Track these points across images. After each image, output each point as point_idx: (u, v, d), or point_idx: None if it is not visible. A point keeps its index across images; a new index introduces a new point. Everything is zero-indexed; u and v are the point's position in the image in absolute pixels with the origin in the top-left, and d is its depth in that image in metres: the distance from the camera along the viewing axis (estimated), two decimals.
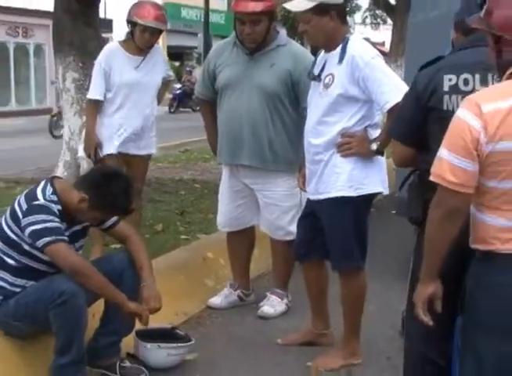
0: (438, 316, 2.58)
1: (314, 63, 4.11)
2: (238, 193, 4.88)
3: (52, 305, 3.50)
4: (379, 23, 36.38)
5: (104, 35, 10.00)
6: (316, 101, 3.99)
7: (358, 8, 33.73)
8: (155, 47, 5.37)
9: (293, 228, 4.45)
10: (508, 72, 2.37)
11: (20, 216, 3.55)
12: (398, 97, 3.61)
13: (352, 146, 3.92)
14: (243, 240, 5.04)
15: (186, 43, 32.64)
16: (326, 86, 3.91)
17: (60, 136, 16.74)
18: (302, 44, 8.26)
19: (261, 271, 5.65)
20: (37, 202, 3.57)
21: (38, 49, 26.97)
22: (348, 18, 8.35)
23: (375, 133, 3.97)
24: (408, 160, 3.10)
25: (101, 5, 7.87)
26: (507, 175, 2.33)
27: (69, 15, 7.21)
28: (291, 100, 4.63)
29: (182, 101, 26.93)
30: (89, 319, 3.69)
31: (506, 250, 2.36)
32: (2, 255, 3.64)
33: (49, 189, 3.64)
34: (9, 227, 3.61)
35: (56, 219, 3.55)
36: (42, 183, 3.70)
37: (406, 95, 3.10)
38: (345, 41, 3.89)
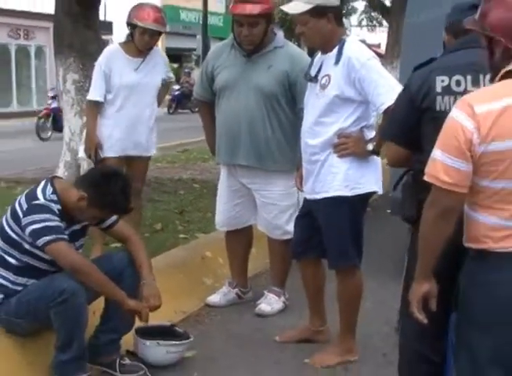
0: (432, 313, 2.58)
1: (311, 64, 4.13)
2: (236, 193, 4.91)
3: (53, 304, 3.53)
4: (375, 26, 36.36)
5: (104, 37, 10.02)
6: (313, 102, 4.02)
7: (354, 10, 33.70)
8: (155, 49, 5.39)
9: (291, 227, 4.48)
10: (501, 73, 2.40)
11: (21, 215, 3.58)
12: (393, 98, 3.59)
13: (348, 146, 3.95)
14: (241, 239, 5.07)
15: (185, 45, 32.58)
16: (323, 87, 3.94)
17: (48, 138, 16.77)
18: (299, 45, 8.26)
19: (259, 269, 5.66)
20: (37, 202, 3.60)
21: (39, 51, 27.01)
22: (345, 20, 8.34)
23: (370, 134, 4.00)
24: (401, 161, 3.13)
25: (101, 8, 7.91)
26: (499, 174, 2.34)
27: (69, 17, 7.24)
28: (288, 101, 4.66)
29: (181, 102, 26.92)
30: (90, 317, 3.72)
31: (499, 248, 2.37)
32: (4, 254, 3.67)
33: (49, 189, 3.66)
34: (9, 226, 3.64)
35: (56, 218, 3.58)
36: (42, 183, 3.72)
37: (399, 97, 3.12)
38: (342, 43, 3.92)
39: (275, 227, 4.86)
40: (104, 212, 3.77)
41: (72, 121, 7.41)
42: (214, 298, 5.07)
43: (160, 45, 13.66)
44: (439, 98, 2.90)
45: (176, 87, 25.99)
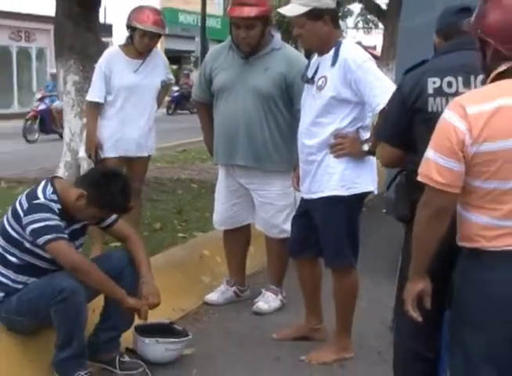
0: (426, 312, 2.60)
1: (307, 66, 4.16)
2: (234, 193, 4.94)
3: (53, 302, 3.55)
4: (371, 28, 36.25)
5: (104, 40, 10.02)
6: (310, 103, 4.05)
7: (350, 13, 33.57)
8: (155, 50, 5.41)
9: (288, 226, 4.51)
10: (492, 75, 2.43)
11: (21, 215, 3.60)
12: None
13: (345, 146, 3.97)
14: (238, 238, 5.09)
15: (184, 47, 32.56)
16: (319, 88, 3.97)
17: (35, 141, 16.50)
18: (296, 47, 8.26)
19: (257, 268, 5.68)
20: (37, 201, 3.62)
21: (40, 53, 27.06)
22: (341, 22, 8.40)
23: (366, 134, 4.03)
24: (395, 161, 3.16)
25: (101, 11, 7.92)
26: (491, 175, 2.36)
27: (70, 20, 7.29)
28: (285, 102, 4.68)
29: (180, 103, 26.89)
30: (89, 315, 3.74)
31: (491, 247, 2.39)
32: (4, 253, 3.69)
33: (49, 189, 3.69)
34: (10, 226, 3.67)
35: (56, 218, 3.60)
36: (43, 183, 3.75)
37: (392, 98, 3.14)
38: (338, 45, 3.95)
39: (272, 226, 4.89)
40: (104, 212, 3.79)
41: (72, 122, 7.46)
42: (212, 297, 5.09)
43: (160, 46, 13.63)
44: (431, 99, 2.93)
45: (175, 88, 25.97)
